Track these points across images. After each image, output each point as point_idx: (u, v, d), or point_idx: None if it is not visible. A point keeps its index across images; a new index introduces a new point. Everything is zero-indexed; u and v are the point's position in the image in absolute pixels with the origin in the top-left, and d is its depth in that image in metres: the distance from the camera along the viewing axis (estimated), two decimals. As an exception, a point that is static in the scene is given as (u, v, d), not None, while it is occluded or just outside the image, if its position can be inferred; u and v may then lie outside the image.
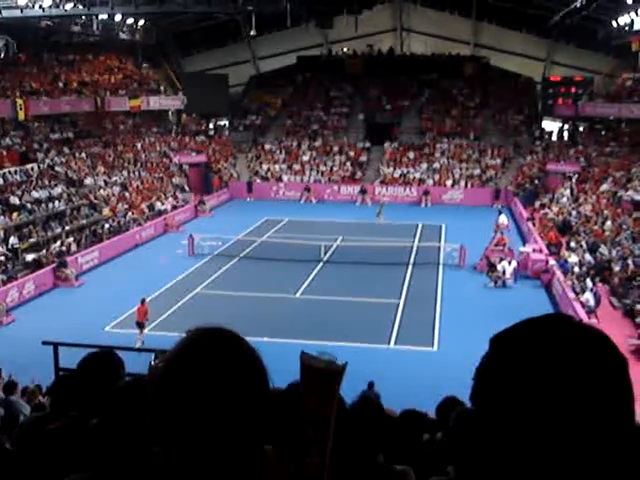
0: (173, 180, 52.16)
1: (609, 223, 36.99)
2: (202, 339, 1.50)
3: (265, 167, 56.43)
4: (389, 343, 24.44)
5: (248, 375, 1.47)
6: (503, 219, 39.09)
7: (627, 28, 46.67)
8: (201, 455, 1.43)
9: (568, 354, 1.19)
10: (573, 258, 31.78)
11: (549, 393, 1.16)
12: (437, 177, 54.18)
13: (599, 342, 1.23)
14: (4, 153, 40.64)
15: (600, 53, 57.89)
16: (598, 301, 26.40)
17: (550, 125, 59.94)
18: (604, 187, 44.10)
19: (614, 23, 48.41)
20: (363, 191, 52.46)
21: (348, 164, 56.49)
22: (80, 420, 3.61)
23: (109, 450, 2.72)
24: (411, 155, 56.35)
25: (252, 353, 1.51)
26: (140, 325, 24.25)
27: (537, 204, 46.75)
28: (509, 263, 31.66)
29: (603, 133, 55.05)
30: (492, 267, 31.77)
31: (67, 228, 37.15)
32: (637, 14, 43.50)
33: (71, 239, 35.73)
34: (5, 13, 39.92)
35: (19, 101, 41.84)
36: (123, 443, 2.66)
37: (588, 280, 28.50)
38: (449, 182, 53.61)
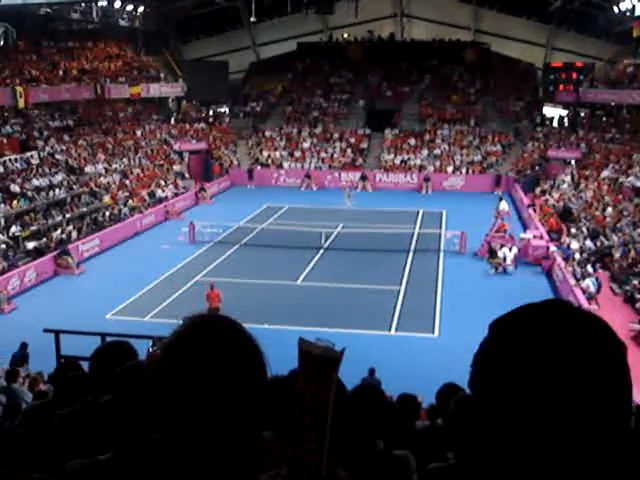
0: (173, 167, 52.14)
1: (610, 209, 36.97)
2: (199, 326, 1.50)
3: (266, 154, 56.39)
4: (390, 330, 24.48)
5: (245, 361, 1.47)
6: (504, 205, 39.10)
7: (628, 14, 46.56)
8: (199, 441, 1.44)
9: (567, 339, 1.19)
10: (574, 244, 31.79)
11: (547, 378, 1.16)
12: (438, 164, 54.12)
13: (598, 327, 1.23)
14: (4, 141, 40.59)
15: (601, 39, 57.72)
16: (599, 287, 26.42)
17: (551, 111, 59.82)
18: (605, 173, 44.05)
19: (615, 9, 48.29)
20: (364, 177, 52.41)
21: (349, 151, 56.45)
22: (92, 406, 3.64)
23: (118, 431, 2.74)
24: (412, 142, 56.28)
25: (249, 339, 1.52)
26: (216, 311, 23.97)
27: (538, 190, 46.70)
28: (510, 249, 31.67)
29: (604, 119, 54.94)
30: (493, 253, 31.77)
31: (68, 216, 37.15)
32: (638, 0, 43.35)
33: (72, 227, 35.75)
34: (5, 1, 39.78)
35: (19, 89, 41.76)
36: (130, 424, 2.67)
37: (589, 266, 28.51)
38: (450, 168, 53.55)
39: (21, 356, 18.53)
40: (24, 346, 18.49)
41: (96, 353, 4.14)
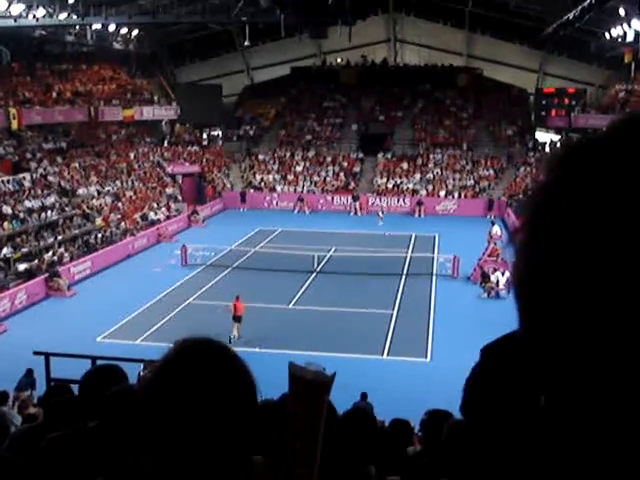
0: (166, 190, 52.17)
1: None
2: (189, 350, 1.49)
3: (259, 177, 56.48)
4: (382, 354, 24.43)
5: (235, 385, 1.46)
6: (496, 229, 39.15)
7: (620, 40, 46.91)
8: (189, 465, 1.42)
9: None
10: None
11: (533, 403, 1.14)
12: (430, 187, 54.28)
13: None
14: (-3, 162, 40.64)
15: (593, 65, 58.17)
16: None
17: (543, 136, 60.13)
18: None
19: (607, 35, 48.67)
20: (355, 198, 52.48)
21: (341, 175, 56.56)
22: (82, 430, 3.60)
23: (108, 455, 2.72)
24: (404, 166, 56.45)
25: (240, 364, 1.51)
26: (238, 319, 25.46)
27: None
28: (502, 274, 31.67)
29: (596, 144, 55.18)
30: (486, 278, 31.79)
31: (60, 238, 37.09)
32: (630, 26, 43.70)
33: (63, 249, 35.66)
34: (-1, 22, 39.96)
35: (12, 110, 41.83)
36: (119, 447, 2.65)
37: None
38: (442, 192, 53.70)
39: (28, 382, 18.30)
40: (31, 372, 18.25)
41: (86, 377, 4.11)
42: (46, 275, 31.93)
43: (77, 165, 46.81)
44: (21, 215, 36.87)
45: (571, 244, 0.72)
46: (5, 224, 35.31)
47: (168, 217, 46.98)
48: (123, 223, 42.12)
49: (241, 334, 25.27)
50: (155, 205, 47.82)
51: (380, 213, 49.24)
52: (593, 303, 0.70)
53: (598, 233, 0.70)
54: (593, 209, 0.71)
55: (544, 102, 58.12)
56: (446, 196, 53.46)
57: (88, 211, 41.84)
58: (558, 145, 56.76)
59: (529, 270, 0.78)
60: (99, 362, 10.03)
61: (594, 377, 0.71)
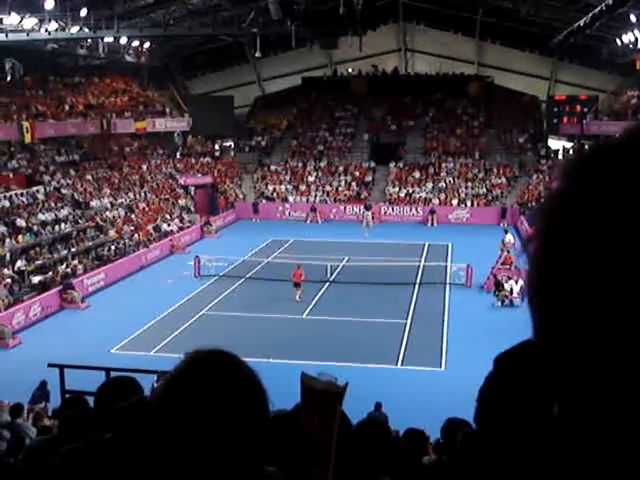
0: (179, 201, 52.26)
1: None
2: (200, 361, 1.49)
3: (271, 188, 56.54)
4: (396, 363, 24.35)
5: (245, 396, 1.46)
6: (509, 238, 39.03)
7: (631, 46, 46.79)
8: (201, 476, 1.42)
9: None
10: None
11: (548, 413, 1.13)
12: (443, 196, 54.18)
13: None
14: (10, 176, 40.83)
15: (604, 71, 58.07)
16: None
17: (555, 144, 59.97)
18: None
19: (618, 41, 48.56)
20: (367, 207, 52.28)
21: (353, 184, 56.58)
22: (96, 442, 3.60)
23: (121, 468, 2.72)
24: (416, 174, 56.39)
25: (250, 374, 1.50)
26: (297, 285, 31.16)
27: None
28: (516, 282, 31.55)
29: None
30: (499, 286, 31.66)
31: (73, 250, 37.19)
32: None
33: (77, 261, 35.76)
34: (11, 36, 40.18)
35: (25, 124, 42.06)
36: (133, 460, 2.65)
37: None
38: (455, 201, 53.60)
39: (42, 394, 18.34)
40: (44, 384, 18.31)
41: (101, 389, 4.10)
42: (60, 287, 32.02)
43: (90, 177, 46.99)
44: (35, 228, 37.00)
45: (588, 251, 0.71)
46: (19, 237, 35.47)
47: (181, 228, 47.06)
48: (136, 235, 42.19)
49: (302, 298, 31.26)
50: (168, 216, 47.92)
51: (366, 223, 48.95)
52: (609, 311, 0.70)
53: (615, 240, 0.69)
54: (609, 215, 0.70)
55: (556, 109, 57.98)
56: (459, 205, 53.37)
57: (101, 223, 41.96)
58: (572, 151, 56.66)
59: (544, 278, 0.77)
60: (113, 374, 10.05)
61: (610, 386, 0.71)
